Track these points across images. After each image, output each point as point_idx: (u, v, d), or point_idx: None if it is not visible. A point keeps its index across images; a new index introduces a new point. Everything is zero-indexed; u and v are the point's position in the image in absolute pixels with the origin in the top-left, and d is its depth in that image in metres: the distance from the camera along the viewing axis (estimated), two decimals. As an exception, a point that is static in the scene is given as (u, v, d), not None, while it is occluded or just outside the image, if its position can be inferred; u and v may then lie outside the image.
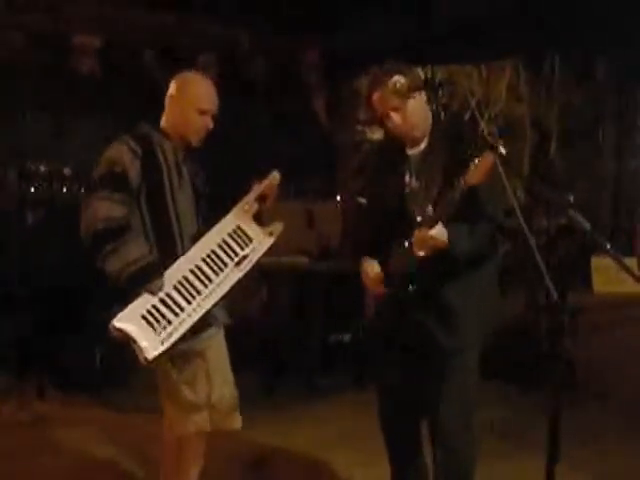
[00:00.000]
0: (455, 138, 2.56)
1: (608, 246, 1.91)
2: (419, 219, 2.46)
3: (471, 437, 2.68)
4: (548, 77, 7.08)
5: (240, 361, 2.78)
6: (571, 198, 4.88)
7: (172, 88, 2.66)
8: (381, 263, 2.65)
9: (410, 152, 2.64)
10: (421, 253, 2.44)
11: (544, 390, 1.91)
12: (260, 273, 4.95)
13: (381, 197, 2.69)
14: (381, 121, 2.61)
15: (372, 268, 2.66)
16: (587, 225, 1.92)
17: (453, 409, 2.62)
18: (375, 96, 2.58)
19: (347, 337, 5.18)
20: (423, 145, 2.63)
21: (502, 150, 2.16)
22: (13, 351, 4.81)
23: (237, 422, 2.69)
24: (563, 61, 6.83)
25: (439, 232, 2.41)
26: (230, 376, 2.70)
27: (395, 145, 2.67)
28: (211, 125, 2.65)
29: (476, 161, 2.23)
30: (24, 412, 4.32)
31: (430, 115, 2.63)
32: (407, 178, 2.63)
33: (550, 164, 7.08)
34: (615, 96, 8.09)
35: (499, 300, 2.85)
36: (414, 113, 2.55)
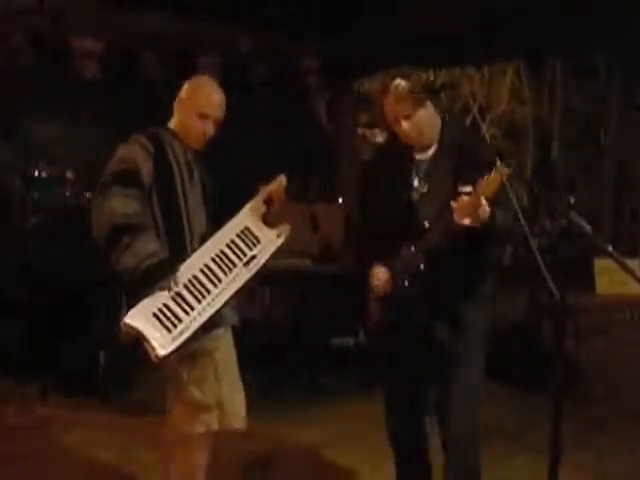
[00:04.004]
0: (461, 144, 2.57)
1: (610, 248, 1.91)
2: (427, 224, 2.45)
3: (479, 438, 2.68)
4: (550, 79, 7.08)
5: (242, 363, 2.78)
6: (572, 200, 4.88)
7: (182, 91, 2.67)
8: (386, 266, 2.65)
9: (419, 157, 2.65)
10: (467, 221, 2.35)
11: (546, 391, 1.91)
12: (262, 275, 4.93)
13: (389, 202, 2.68)
14: (391, 126, 2.62)
15: (382, 271, 2.65)
16: (588, 227, 1.92)
17: (462, 410, 2.62)
18: (386, 102, 2.58)
19: (351, 341, 5.17)
20: (432, 150, 2.63)
21: (507, 171, 2.22)
22: (15, 354, 4.81)
23: (243, 423, 2.68)
24: (565, 63, 6.82)
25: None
26: (238, 376, 2.70)
27: (402, 150, 2.67)
28: (211, 131, 2.63)
29: (486, 177, 2.26)
30: (26, 415, 4.32)
31: (439, 121, 2.64)
32: (416, 183, 2.63)
33: (552, 166, 7.09)
34: (618, 98, 8.07)
35: (501, 301, 2.84)
36: (423, 121, 2.56)
